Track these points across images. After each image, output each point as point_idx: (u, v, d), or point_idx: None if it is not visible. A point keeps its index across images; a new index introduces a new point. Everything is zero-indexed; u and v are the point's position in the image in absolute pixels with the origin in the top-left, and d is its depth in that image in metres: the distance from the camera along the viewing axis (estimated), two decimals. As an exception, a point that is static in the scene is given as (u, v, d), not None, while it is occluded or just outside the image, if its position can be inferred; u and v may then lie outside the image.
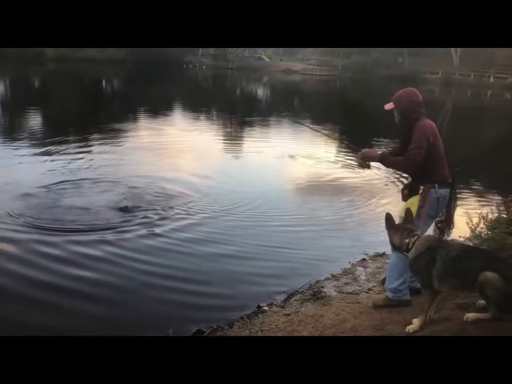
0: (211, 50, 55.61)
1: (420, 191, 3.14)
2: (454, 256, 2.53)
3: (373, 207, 6.48)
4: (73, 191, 6.32)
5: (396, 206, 3.66)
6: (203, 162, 8.93)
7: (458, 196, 3.32)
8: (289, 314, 3.50)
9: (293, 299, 3.81)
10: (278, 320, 3.41)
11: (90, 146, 9.59)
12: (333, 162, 9.58)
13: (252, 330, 3.27)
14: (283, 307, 3.66)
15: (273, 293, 3.90)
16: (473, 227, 4.09)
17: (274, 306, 3.67)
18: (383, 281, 3.79)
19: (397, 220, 2.99)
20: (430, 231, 3.30)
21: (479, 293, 2.42)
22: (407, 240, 2.73)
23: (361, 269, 4.45)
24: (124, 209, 5.58)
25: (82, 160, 8.20)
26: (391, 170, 7.47)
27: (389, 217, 2.90)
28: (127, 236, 4.84)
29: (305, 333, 3.12)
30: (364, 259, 4.68)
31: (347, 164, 9.28)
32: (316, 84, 43.01)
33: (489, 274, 2.30)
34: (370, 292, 3.89)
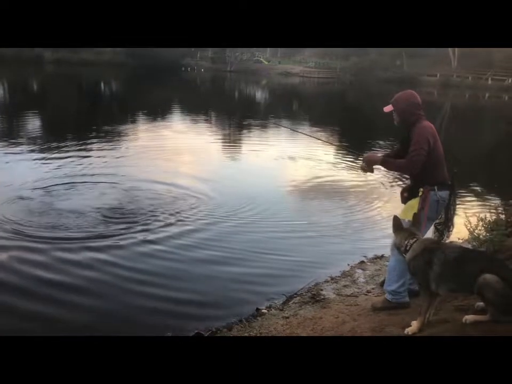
0: (210, 53, 55.75)
1: (420, 194, 3.14)
2: (451, 259, 2.52)
3: (372, 209, 6.48)
4: (67, 194, 6.28)
5: (396, 209, 3.65)
6: (202, 165, 8.92)
7: (457, 197, 3.33)
8: (288, 317, 3.49)
9: (291, 302, 3.80)
10: (277, 323, 3.40)
11: (86, 149, 9.54)
12: (333, 163, 9.60)
13: (251, 333, 3.26)
14: (282, 310, 3.65)
15: (272, 295, 3.90)
16: (471, 229, 4.09)
17: (273, 309, 3.67)
18: (382, 284, 3.78)
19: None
20: (430, 233, 3.30)
21: (478, 295, 2.42)
22: (406, 242, 2.73)
23: (360, 271, 4.45)
24: (118, 214, 5.51)
25: (75, 163, 8.16)
26: (389, 172, 7.49)
27: (396, 220, 2.91)
28: (121, 243, 4.71)
29: (304, 336, 3.12)
30: (363, 261, 4.68)
31: (347, 165, 9.30)
32: (315, 86, 43.07)
33: (489, 277, 2.30)
34: (369, 294, 3.89)
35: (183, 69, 49.61)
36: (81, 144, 9.87)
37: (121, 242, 4.72)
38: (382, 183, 7.86)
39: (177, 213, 5.71)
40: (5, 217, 5.13)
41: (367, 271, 4.44)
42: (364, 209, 6.45)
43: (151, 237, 4.92)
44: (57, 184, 6.63)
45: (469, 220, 4.16)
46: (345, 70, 51.63)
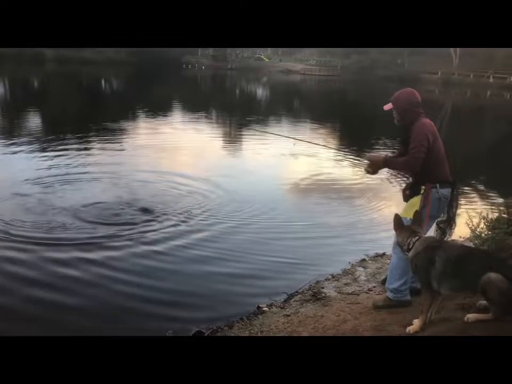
0: (210, 50, 55.71)
1: (422, 191, 3.13)
2: (453, 257, 2.51)
3: (373, 207, 6.46)
4: (65, 191, 6.26)
5: (398, 206, 3.63)
6: (203, 163, 8.88)
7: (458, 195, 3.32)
8: (289, 315, 3.48)
9: (292, 300, 3.79)
10: (278, 321, 3.39)
11: (86, 147, 9.54)
12: (335, 161, 9.59)
13: (252, 331, 3.25)
14: (283, 308, 3.64)
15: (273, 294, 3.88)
16: (473, 227, 4.08)
17: (274, 307, 3.66)
18: (383, 282, 3.78)
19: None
20: (432, 231, 3.29)
21: (481, 294, 2.40)
22: (408, 240, 2.72)
23: (361, 269, 4.44)
24: (113, 211, 5.46)
25: (72, 159, 8.17)
26: (390, 170, 7.47)
27: (397, 218, 2.90)
28: (116, 244, 4.61)
29: (305, 334, 3.11)
30: (364, 259, 4.67)
31: (350, 163, 9.29)
32: (315, 84, 43.02)
33: (494, 275, 2.29)
34: (371, 292, 3.88)
35: (184, 66, 49.58)
36: (82, 142, 9.86)
37: (116, 244, 4.62)
38: (381, 179, 7.85)
39: (186, 212, 5.63)
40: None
41: (368, 269, 4.43)
42: (366, 207, 6.43)
43: (150, 237, 4.85)
44: (55, 182, 6.63)
45: (470, 218, 4.15)
46: (346, 68, 51.56)
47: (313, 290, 3.92)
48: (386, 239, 4.67)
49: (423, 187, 3.13)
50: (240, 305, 3.70)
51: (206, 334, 3.23)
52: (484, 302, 2.55)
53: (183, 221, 5.36)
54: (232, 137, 12.91)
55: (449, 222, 3.24)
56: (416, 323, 2.68)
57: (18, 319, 3.36)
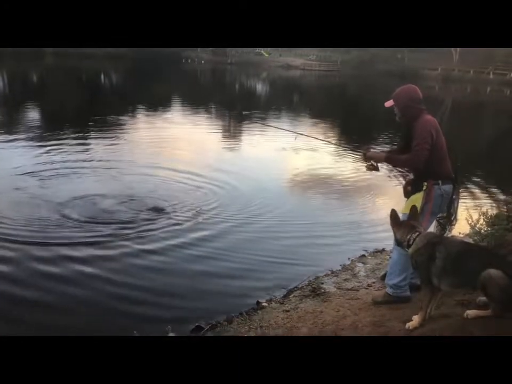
0: (210, 45, 55.38)
1: (424, 188, 3.12)
2: (453, 254, 2.51)
3: (373, 203, 6.47)
4: (59, 184, 6.28)
5: (398, 203, 3.62)
6: (203, 160, 8.82)
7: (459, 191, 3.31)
8: (288, 311, 3.48)
9: (292, 295, 3.80)
10: (277, 316, 3.39)
11: (84, 141, 9.54)
12: (333, 156, 9.57)
13: (251, 327, 3.25)
14: (282, 303, 3.65)
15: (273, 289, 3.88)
16: (473, 223, 4.07)
17: (273, 303, 3.66)
18: (382, 278, 3.78)
19: (401, 217, 2.97)
20: (432, 227, 3.28)
21: (481, 290, 2.40)
22: (408, 237, 2.72)
23: (360, 265, 4.44)
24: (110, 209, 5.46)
25: (65, 153, 8.18)
26: (390, 167, 7.46)
27: (394, 214, 2.88)
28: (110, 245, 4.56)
29: (304, 329, 3.11)
30: (363, 255, 4.67)
31: (349, 159, 9.28)
32: (315, 79, 42.88)
33: (494, 272, 2.28)
34: (370, 288, 3.88)
35: (183, 60, 49.40)
36: (79, 138, 9.84)
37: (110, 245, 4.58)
38: (382, 176, 7.83)
39: (192, 210, 5.60)
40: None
41: (368, 265, 4.43)
42: (365, 204, 6.43)
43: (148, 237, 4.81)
44: (53, 175, 6.67)
45: (470, 214, 4.15)
46: (346, 63, 51.38)
47: (313, 286, 3.92)
48: (385, 234, 4.68)
49: (425, 183, 3.12)
50: (240, 305, 3.68)
51: (205, 329, 3.24)
52: (483, 298, 2.55)
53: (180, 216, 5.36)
54: (232, 132, 12.87)
55: (450, 218, 3.23)
56: (416, 319, 2.69)
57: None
